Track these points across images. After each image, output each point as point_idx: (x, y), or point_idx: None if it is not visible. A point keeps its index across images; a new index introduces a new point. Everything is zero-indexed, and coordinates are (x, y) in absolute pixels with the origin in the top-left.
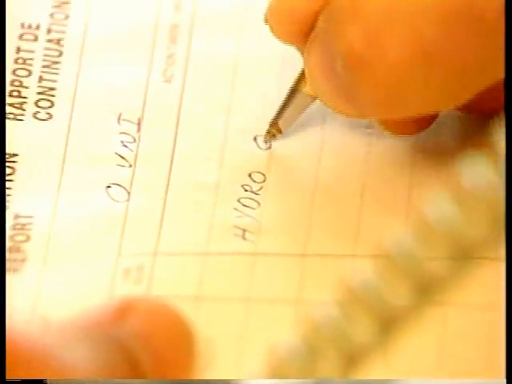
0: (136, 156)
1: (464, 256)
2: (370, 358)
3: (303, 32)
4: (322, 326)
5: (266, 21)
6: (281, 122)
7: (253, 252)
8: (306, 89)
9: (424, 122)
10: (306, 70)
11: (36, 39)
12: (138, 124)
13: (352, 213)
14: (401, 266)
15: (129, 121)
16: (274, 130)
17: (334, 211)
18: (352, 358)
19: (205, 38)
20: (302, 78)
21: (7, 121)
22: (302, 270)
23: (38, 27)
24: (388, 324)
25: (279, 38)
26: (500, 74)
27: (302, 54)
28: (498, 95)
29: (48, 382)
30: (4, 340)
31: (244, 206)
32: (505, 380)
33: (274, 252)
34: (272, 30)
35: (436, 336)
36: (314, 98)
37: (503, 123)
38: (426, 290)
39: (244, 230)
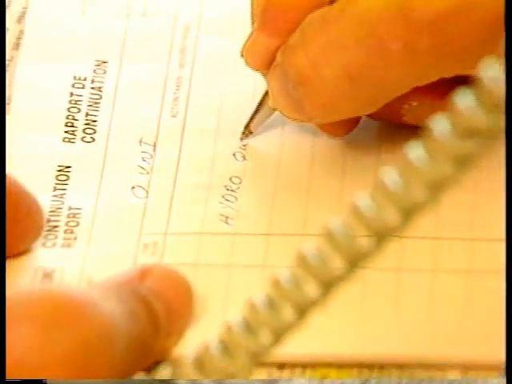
0: (152, 167)
1: (381, 235)
2: (315, 310)
3: (267, 63)
4: (281, 284)
5: (242, 55)
6: (252, 126)
7: (233, 232)
8: (269, 103)
9: (350, 126)
10: (269, 90)
11: (83, 87)
12: (154, 146)
13: (302, 200)
14: (337, 241)
15: (147, 143)
16: (247, 131)
17: (289, 200)
18: (303, 310)
19: (201, 87)
20: (266, 95)
21: (64, 143)
22: (267, 244)
23: (85, 79)
24: (329, 284)
25: (251, 67)
26: (403, 89)
27: (266, 78)
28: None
29: (48, 382)
30: (4, 340)
31: (226, 200)
32: (505, 380)
33: (247, 233)
34: (246, 62)
35: (358, 294)
36: (275, 109)
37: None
38: (356, 259)
39: (227, 217)
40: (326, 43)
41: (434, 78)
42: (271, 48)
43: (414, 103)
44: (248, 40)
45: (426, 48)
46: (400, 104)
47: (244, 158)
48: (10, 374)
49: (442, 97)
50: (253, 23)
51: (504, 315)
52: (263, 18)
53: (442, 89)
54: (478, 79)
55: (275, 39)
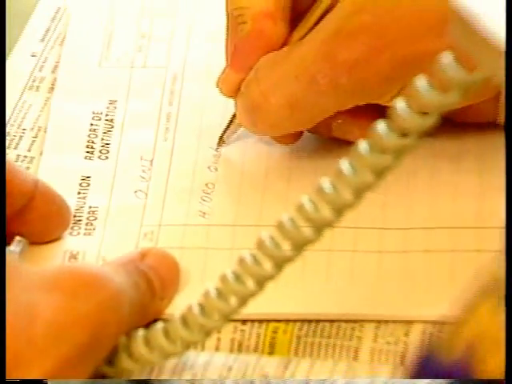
0: (150, 176)
1: (319, 227)
2: (269, 281)
3: (235, 92)
4: (245, 261)
5: (217, 86)
6: (224, 137)
7: (208, 224)
8: (236, 120)
9: (295, 137)
10: (236, 112)
11: (100, 119)
12: (151, 161)
13: (259, 199)
14: (286, 230)
15: (146, 159)
16: (221, 142)
17: (250, 199)
18: (261, 281)
19: (185, 120)
20: (234, 115)
21: (85, 160)
22: (234, 233)
23: (100, 113)
24: (280, 262)
25: (223, 95)
26: (330, 112)
27: (234, 103)
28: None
29: (48, 382)
30: (4, 340)
31: (204, 200)
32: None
33: (219, 224)
34: (220, 91)
35: (300, 269)
36: (241, 126)
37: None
38: (300, 244)
39: (204, 213)
40: (273, 79)
41: (353, 105)
42: (237, 81)
43: (340, 121)
44: (221, 74)
45: (346, 83)
46: (329, 122)
47: (216, 169)
48: (42, 335)
49: (359, 117)
50: (226, 62)
51: None
52: (232, 59)
53: (360, 111)
54: (391, 110)
55: (240, 74)
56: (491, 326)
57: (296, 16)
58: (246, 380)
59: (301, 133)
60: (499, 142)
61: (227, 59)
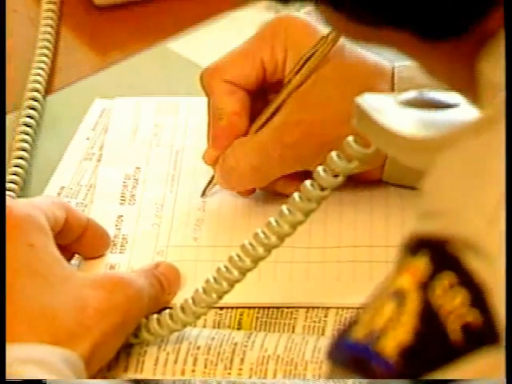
0: (161, 215)
1: (268, 249)
2: (236, 284)
3: (214, 162)
4: (220, 270)
5: (203, 158)
6: (207, 191)
7: (198, 245)
8: (215, 180)
9: (252, 192)
10: (215, 174)
11: (129, 179)
12: (162, 206)
13: (230, 229)
14: (247, 249)
15: (158, 204)
16: (205, 193)
17: (225, 229)
18: (231, 285)
19: (185, 180)
20: (213, 176)
21: (119, 205)
22: (214, 251)
23: (130, 175)
24: (244, 272)
25: (206, 164)
26: (277, 176)
27: (214, 168)
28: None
29: (48, 382)
30: (4, 340)
31: (196, 230)
32: (505, 380)
33: (205, 245)
34: (204, 162)
35: (256, 272)
36: (217, 183)
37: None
38: (256, 259)
39: (195, 238)
40: (243, 152)
41: (292, 171)
42: (216, 155)
43: (281, 181)
44: (205, 151)
45: (290, 157)
46: (274, 182)
47: (204, 210)
48: (91, 318)
49: (294, 178)
50: (208, 142)
51: None
52: (213, 142)
53: (294, 174)
54: (314, 173)
55: (218, 152)
56: (392, 320)
57: (253, 115)
58: (241, 381)
59: (254, 189)
60: (385, 192)
61: (209, 141)
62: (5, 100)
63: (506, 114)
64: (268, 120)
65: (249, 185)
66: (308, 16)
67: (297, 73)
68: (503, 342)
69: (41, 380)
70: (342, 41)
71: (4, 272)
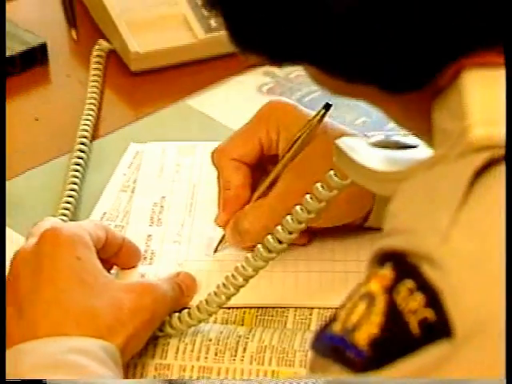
0: (181, 234)
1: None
2: (238, 291)
3: (225, 224)
4: (228, 277)
5: (215, 221)
6: (218, 248)
7: (210, 259)
8: (225, 239)
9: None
10: (225, 233)
11: (156, 206)
12: (182, 225)
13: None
14: (261, 251)
15: (180, 225)
16: (216, 250)
17: (231, 258)
18: (237, 289)
19: (198, 226)
20: (223, 237)
21: (149, 226)
22: (222, 265)
23: (156, 202)
24: (258, 269)
25: (218, 225)
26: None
27: (225, 230)
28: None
29: (48, 382)
30: (4, 340)
31: (208, 250)
32: (505, 380)
33: (216, 259)
34: (216, 224)
35: (255, 282)
36: (227, 241)
37: None
38: (272, 258)
39: (207, 255)
40: (255, 216)
41: None
42: (226, 219)
43: None
44: (217, 216)
45: (288, 210)
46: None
47: (215, 231)
48: (126, 315)
49: None
50: (218, 207)
51: None
52: (223, 208)
53: None
54: (303, 199)
55: (228, 216)
56: (363, 317)
57: (254, 182)
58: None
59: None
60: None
61: (219, 206)
62: (5, 100)
63: (506, 113)
64: (268, 187)
65: (258, 240)
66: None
67: (289, 149)
68: (456, 336)
69: (41, 380)
70: (325, 121)
71: (4, 272)
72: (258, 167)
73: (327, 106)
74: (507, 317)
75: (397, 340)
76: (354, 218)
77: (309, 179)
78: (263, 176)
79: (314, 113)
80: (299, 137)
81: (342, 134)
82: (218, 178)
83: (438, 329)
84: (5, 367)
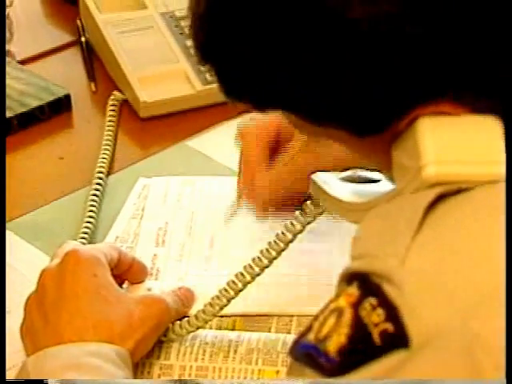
0: (182, 255)
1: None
2: (230, 302)
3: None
4: (227, 285)
5: (237, 185)
6: (231, 212)
7: (207, 275)
8: (238, 202)
9: (267, 210)
10: (237, 197)
11: (160, 230)
12: (183, 245)
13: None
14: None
15: (181, 244)
16: (229, 216)
17: (227, 263)
18: (237, 292)
19: (196, 245)
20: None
21: (154, 247)
22: (218, 279)
23: (161, 227)
24: (247, 283)
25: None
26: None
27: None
28: None
29: (48, 382)
30: (4, 340)
31: (205, 265)
32: (505, 380)
33: (212, 275)
34: (239, 188)
35: (244, 295)
36: (240, 206)
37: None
38: (258, 274)
39: (206, 270)
40: (265, 179)
41: (296, 192)
42: (247, 180)
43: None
44: (238, 181)
45: (298, 180)
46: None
47: (212, 249)
48: (136, 323)
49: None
50: (239, 175)
51: None
52: (245, 171)
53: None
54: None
55: (248, 178)
56: (333, 329)
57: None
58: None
59: (267, 209)
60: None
61: (239, 174)
62: (5, 100)
63: (505, 115)
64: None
65: (267, 200)
66: None
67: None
68: (411, 345)
69: (41, 380)
70: None
71: (4, 273)
72: (275, 150)
73: None
74: (507, 318)
75: (361, 349)
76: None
77: (306, 156)
78: (280, 153)
79: None
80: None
81: None
82: (241, 155)
83: (397, 339)
84: (5, 367)
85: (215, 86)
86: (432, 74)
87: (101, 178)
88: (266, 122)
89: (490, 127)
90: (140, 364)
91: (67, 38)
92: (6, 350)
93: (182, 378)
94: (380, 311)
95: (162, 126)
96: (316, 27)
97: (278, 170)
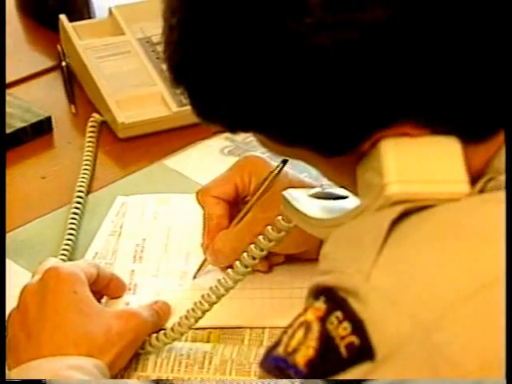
0: (159, 270)
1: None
2: (204, 315)
3: (206, 248)
4: (196, 304)
5: (201, 246)
6: (200, 271)
7: (183, 289)
8: (206, 262)
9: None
10: (206, 257)
11: (138, 246)
12: (160, 261)
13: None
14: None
15: (159, 261)
16: (196, 274)
17: (202, 285)
18: (211, 305)
19: (174, 249)
20: (205, 259)
21: (132, 263)
22: (193, 294)
23: (139, 244)
24: (220, 297)
25: (202, 248)
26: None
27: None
28: None
29: (48, 381)
30: (4, 341)
31: (181, 281)
32: (505, 380)
33: (188, 289)
34: (203, 248)
35: (218, 308)
36: (208, 264)
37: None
38: (231, 287)
39: (180, 285)
40: (227, 239)
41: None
42: (209, 243)
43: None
44: (203, 242)
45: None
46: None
47: (187, 266)
48: (114, 337)
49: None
50: (203, 236)
51: None
52: (207, 234)
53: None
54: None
55: (210, 241)
56: (301, 342)
57: (231, 217)
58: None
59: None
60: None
61: (203, 235)
62: (5, 99)
63: (506, 116)
64: (241, 219)
65: (230, 260)
66: (265, 156)
67: (257, 191)
68: (376, 357)
69: (41, 380)
70: (285, 170)
71: (4, 273)
72: (234, 205)
73: (284, 161)
74: (507, 319)
75: (329, 361)
76: (308, 247)
77: (269, 213)
78: (238, 211)
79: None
80: (264, 182)
81: (299, 181)
82: (204, 213)
83: (362, 352)
84: (5, 367)
85: (190, 107)
86: (392, 99)
87: (81, 197)
88: (224, 179)
89: (450, 147)
90: (118, 376)
91: (48, 62)
92: (5, 350)
93: (159, 379)
94: (346, 325)
95: (139, 146)
96: (282, 54)
97: (237, 229)
